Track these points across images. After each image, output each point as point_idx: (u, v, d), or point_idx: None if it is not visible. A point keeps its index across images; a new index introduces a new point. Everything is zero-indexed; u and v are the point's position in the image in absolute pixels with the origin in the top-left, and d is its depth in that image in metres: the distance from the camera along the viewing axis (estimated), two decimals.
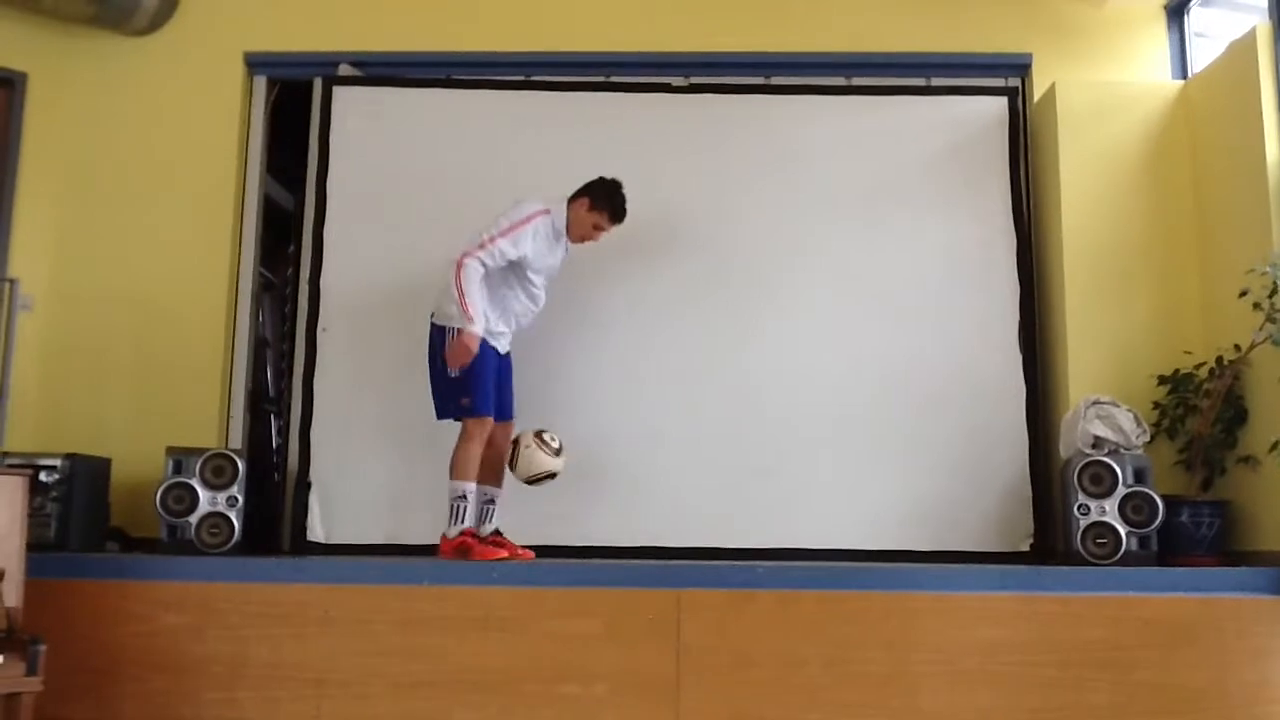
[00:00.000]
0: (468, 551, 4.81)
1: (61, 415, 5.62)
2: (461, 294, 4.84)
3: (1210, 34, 5.95)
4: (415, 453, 5.42)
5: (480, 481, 5.05)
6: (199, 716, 4.14)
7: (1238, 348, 5.02)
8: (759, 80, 6.07)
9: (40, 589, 3.93)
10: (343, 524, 5.57)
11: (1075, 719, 4.09)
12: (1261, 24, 5.11)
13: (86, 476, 5.16)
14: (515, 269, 5.02)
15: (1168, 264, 5.54)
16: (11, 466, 4.77)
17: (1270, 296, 4.76)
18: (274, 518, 5.77)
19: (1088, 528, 4.90)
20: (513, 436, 5.07)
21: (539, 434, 4.99)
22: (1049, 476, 5.51)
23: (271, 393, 6.58)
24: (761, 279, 5.72)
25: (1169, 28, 6.02)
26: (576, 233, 5.15)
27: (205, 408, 5.74)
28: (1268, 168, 4.98)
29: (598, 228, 5.15)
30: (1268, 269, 4.76)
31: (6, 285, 5.30)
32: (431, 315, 5.03)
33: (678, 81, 6.07)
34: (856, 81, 6.05)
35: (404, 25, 6.08)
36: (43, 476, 4.95)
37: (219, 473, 5.13)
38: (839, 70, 6.05)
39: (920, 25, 6.01)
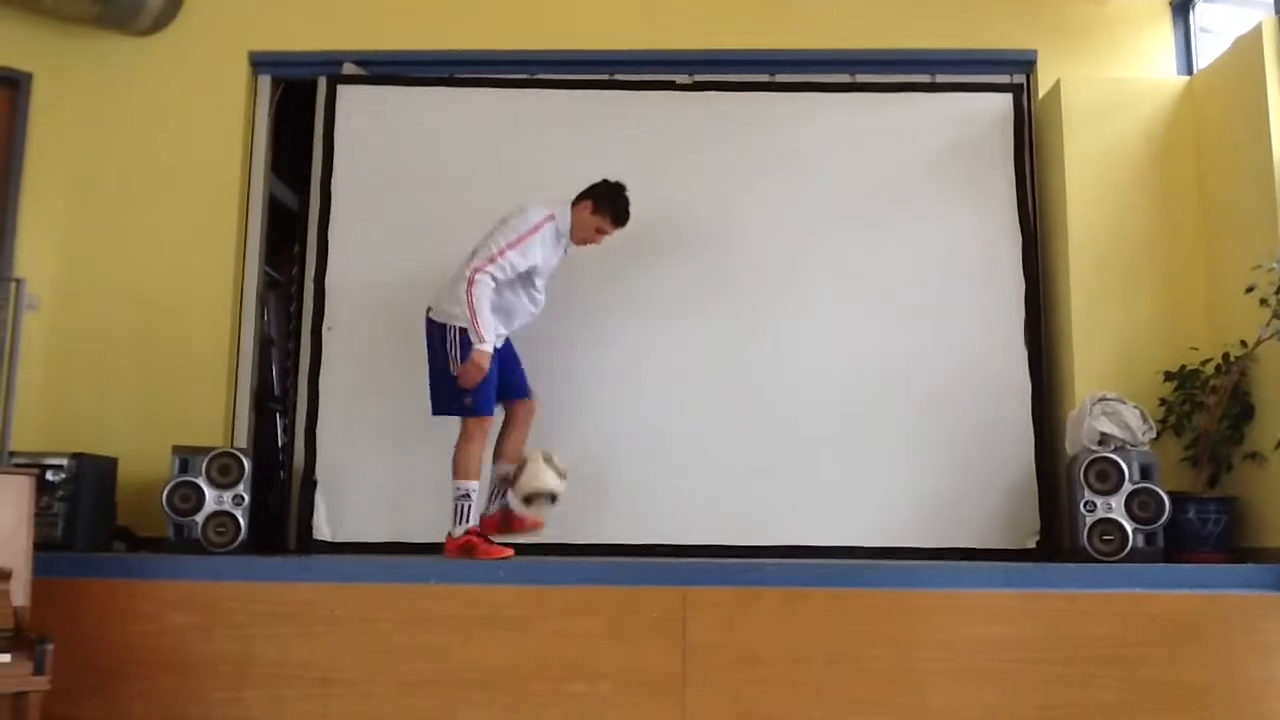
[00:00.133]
0: (472, 550, 4.81)
1: (68, 415, 5.63)
2: (474, 312, 4.84)
3: (1215, 29, 5.93)
4: (420, 450, 5.40)
5: (498, 459, 5.12)
6: (206, 715, 4.15)
7: (1244, 344, 5.00)
8: (763, 78, 6.06)
9: (47, 588, 3.94)
10: (349, 522, 5.57)
11: (1081, 716, 4.10)
12: (1268, 18, 5.10)
13: (93, 476, 5.17)
14: (523, 276, 5.03)
15: (1173, 260, 5.53)
16: (18, 466, 4.79)
17: (1277, 292, 4.75)
18: (280, 516, 5.78)
19: (1094, 524, 4.89)
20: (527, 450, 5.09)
21: (548, 456, 5.00)
22: (1055, 473, 5.50)
23: (277, 391, 6.58)
24: (765, 277, 5.71)
25: (1174, 23, 6.00)
26: (579, 235, 5.16)
27: (211, 407, 5.74)
28: (1274, 163, 4.98)
29: (600, 231, 5.16)
30: (1275, 265, 4.76)
31: (13, 285, 5.29)
32: (429, 310, 5.04)
33: (681, 79, 6.07)
34: (860, 79, 6.04)
35: (407, 24, 6.07)
36: (49, 476, 4.96)
37: (225, 472, 5.14)
38: (843, 67, 6.03)
39: (924, 22, 5.99)
